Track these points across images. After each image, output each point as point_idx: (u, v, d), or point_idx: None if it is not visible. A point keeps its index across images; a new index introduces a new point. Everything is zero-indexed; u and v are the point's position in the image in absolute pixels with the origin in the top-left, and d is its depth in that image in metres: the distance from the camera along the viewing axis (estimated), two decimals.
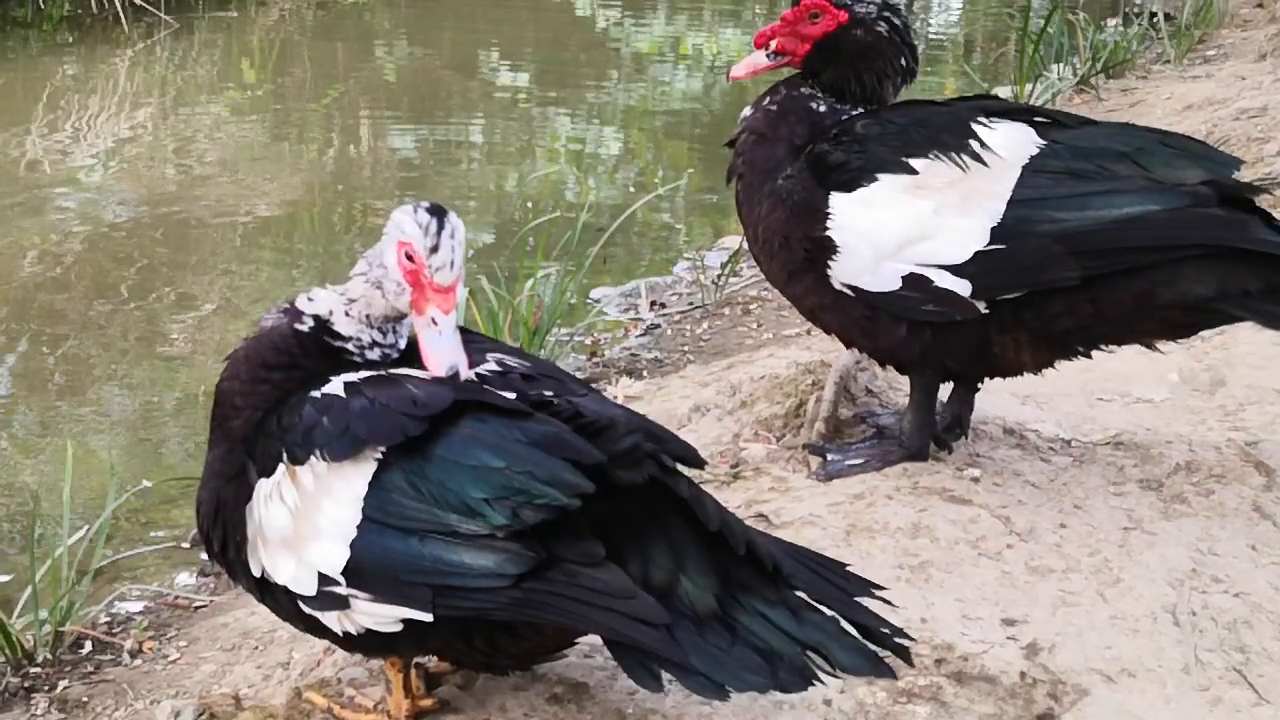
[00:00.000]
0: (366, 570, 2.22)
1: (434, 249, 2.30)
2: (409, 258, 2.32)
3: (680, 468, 2.33)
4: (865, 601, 2.34)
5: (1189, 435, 3.50)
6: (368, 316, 2.41)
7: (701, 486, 2.35)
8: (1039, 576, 2.89)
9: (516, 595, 2.16)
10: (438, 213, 2.34)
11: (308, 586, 2.29)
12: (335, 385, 2.34)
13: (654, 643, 2.13)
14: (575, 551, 2.17)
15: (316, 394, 2.33)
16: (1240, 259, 2.93)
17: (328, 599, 2.28)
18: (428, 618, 2.22)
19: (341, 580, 2.25)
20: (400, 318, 2.43)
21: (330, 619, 2.32)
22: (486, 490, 2.18)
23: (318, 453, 2.27)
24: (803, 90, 3.23)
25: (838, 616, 2.29)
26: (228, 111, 9.73)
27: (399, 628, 2.27)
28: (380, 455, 2.24)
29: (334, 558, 2.24)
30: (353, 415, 2.27)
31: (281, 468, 2.32)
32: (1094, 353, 3.14)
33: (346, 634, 2.33)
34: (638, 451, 2.24)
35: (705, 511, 2.26)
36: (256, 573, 2.37)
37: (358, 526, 2.23)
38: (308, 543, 2.27)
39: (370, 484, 2.23)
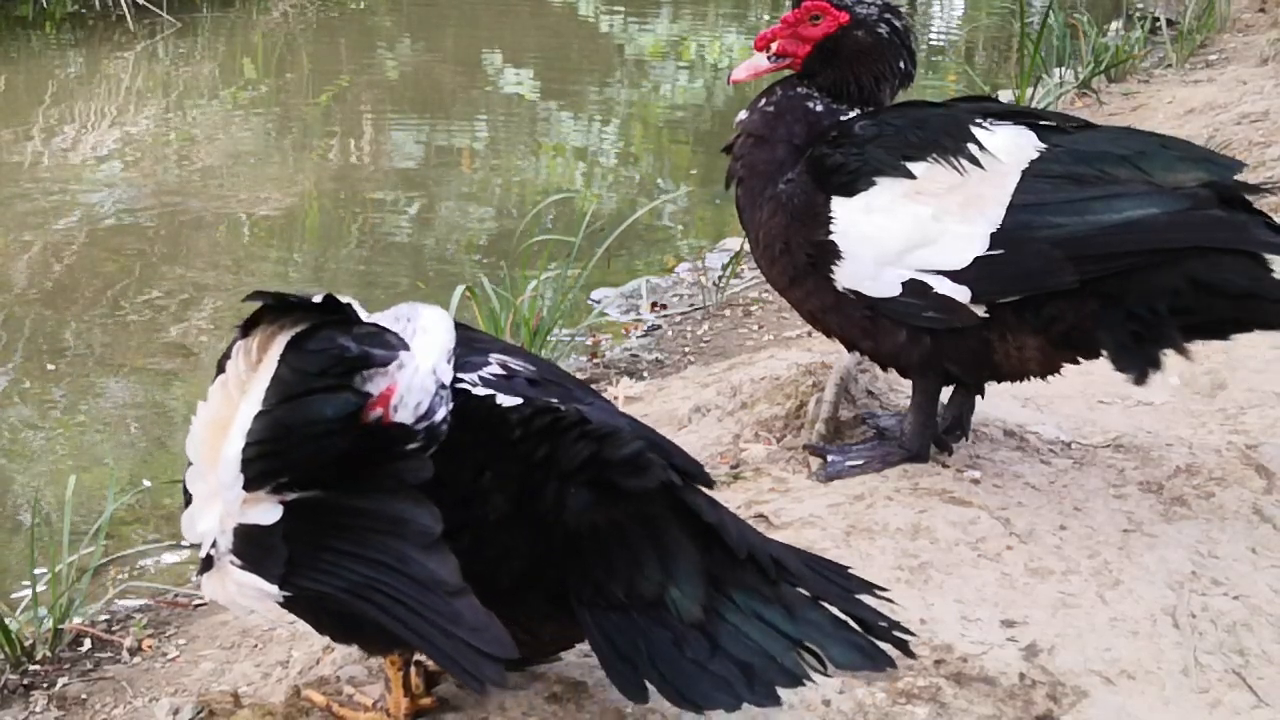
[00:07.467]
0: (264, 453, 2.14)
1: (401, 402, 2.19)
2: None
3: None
4: (866, 599, 2.32)
5: (1189, 438, 3.50)
6: None
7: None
8: (1039, 578, 2.89)
9: (356, 579, 2.10)
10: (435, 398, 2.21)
11: (207, 546, 2.24)
12: None
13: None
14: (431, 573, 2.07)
15: None
16: (1241, 260, 2.92)
17: (205, 563, 2.24)
18: (279, 595, 2.16)
19: (221, 546, 2.20)
20: None
21: (207, 584, 2.27)
22: None
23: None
24: (799, 90, 3.22)
25: (836, 612, 2.26)
26: (231, 110, 9.74)
27: (271, 606, 2.21)
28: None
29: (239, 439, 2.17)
30: None
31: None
32: (1096, 357, 3.14)
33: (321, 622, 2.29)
34: (642, 458, 2.22)
35: (731, 537, 2.24)
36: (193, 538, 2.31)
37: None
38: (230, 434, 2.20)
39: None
